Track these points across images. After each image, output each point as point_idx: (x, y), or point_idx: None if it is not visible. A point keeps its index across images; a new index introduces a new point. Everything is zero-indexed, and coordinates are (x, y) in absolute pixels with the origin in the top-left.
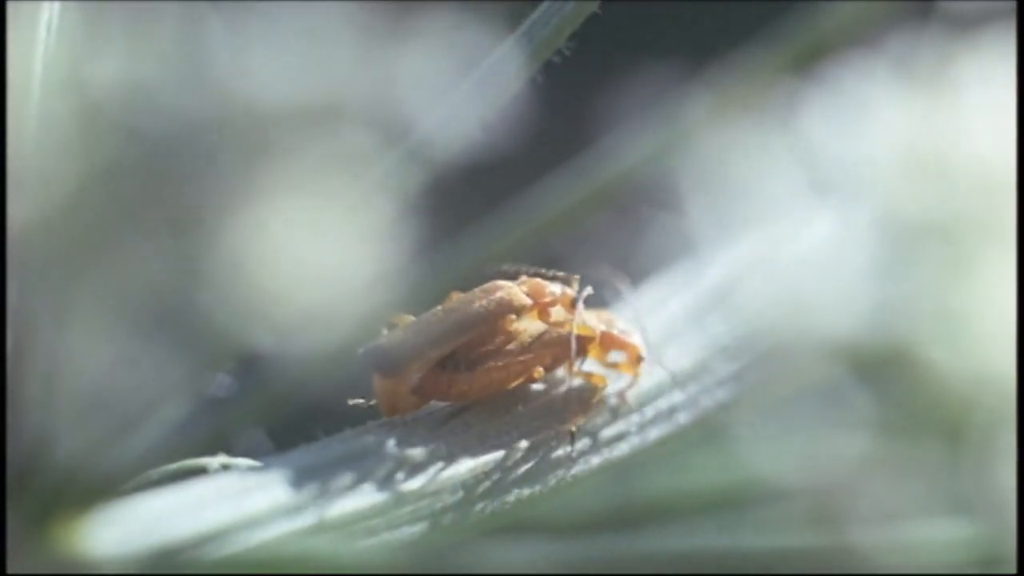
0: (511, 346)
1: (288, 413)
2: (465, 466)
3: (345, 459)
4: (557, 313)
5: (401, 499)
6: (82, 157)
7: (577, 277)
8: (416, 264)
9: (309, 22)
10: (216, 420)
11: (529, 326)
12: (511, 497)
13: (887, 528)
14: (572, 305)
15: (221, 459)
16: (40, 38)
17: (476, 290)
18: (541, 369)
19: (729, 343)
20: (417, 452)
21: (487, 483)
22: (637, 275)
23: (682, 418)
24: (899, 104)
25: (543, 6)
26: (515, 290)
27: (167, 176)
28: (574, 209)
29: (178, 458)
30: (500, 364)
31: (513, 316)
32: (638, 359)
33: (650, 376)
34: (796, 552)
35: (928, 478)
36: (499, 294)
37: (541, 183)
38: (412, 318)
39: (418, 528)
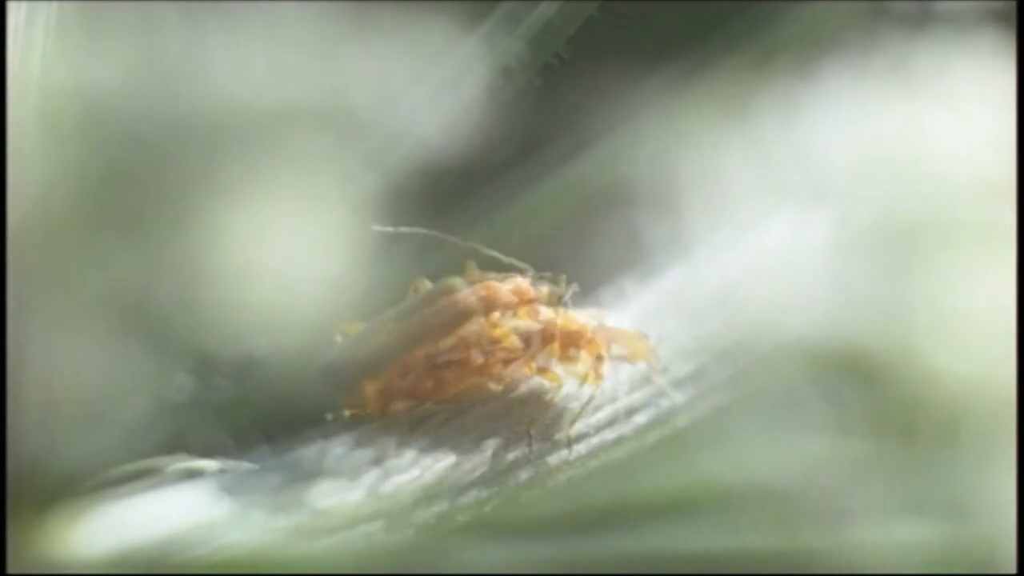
0: (471, 346)
1: (249, 414)
2: (432, 467)
3: (310, 460)
4: (519, 310)
5: (366, 500)
6: (46, 159)
7: (534, 274)
8: (377, 265)
9: (269, 23)
10: (178, 421)
11: (485, 326)
12: (476, 498)
13: (848, 528)
14: (531, 303)
15: (181, 459)
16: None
17: (431, 291)
18: (500, 367)
19: (688, 345)
20: (383, 453)
21: (454, 484)
22: (595, 276)
23: (640, 420)
24: (859, 105)
25: (504, 6)
26: (469, 295)
27: (128, 178)
28: (532, 211)
29: (138, 458)
30: (460, 363)
31: (467, 320)
32: (597, 356)
33: (609, 377)
34: (757, 553)
35: (888, 478)
36: (453, 298)
37: (501, 186)
38: (363, 326)
39: (380, 528)
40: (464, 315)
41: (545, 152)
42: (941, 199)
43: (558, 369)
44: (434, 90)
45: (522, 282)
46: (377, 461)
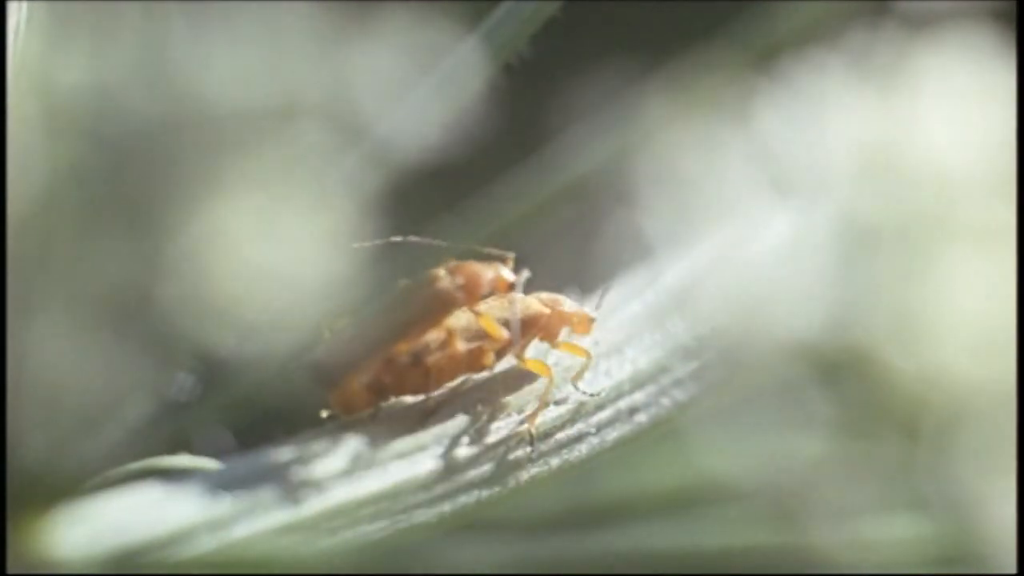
0: (456, 336)
1: (250, 413)
2: (425, 466)
3: (306, 459)
4: (498, 297)
5: (362, 499)
6: (46, 158)
7: (512, 256)
8: (375, 265)
9: (268, 22)
10: (178, 420)
11: (470, 316)
12: (472, 497)
13: (845, 526)
14: (510, 288)
15: (183, 459)
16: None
17: (413, 283)
18: (492, 356)
19: (688, 343)
20: (378, 452)
21: (447, 483)
22: (596, 275)
23: (641, 418)
24: (857, 103)
25: (504, 5)
26: (449, 284)
27: (128, 177)
28: (533, 210)
29: (140, 458)
30: (447, 354)
31: (450, 308)
32: (588, 323)
33: (609, 376)
34: (755, 551)
35: (886, 476)
36: (433, 289)
37: (500, 184)
38: (350, 322)
39: (380, 528)
40: (447, 303)
41: (545, 151)
42: (941, 198)
43: (548, 357)
44: (434, 89)
45: (501, 269)
46: (375, 459)
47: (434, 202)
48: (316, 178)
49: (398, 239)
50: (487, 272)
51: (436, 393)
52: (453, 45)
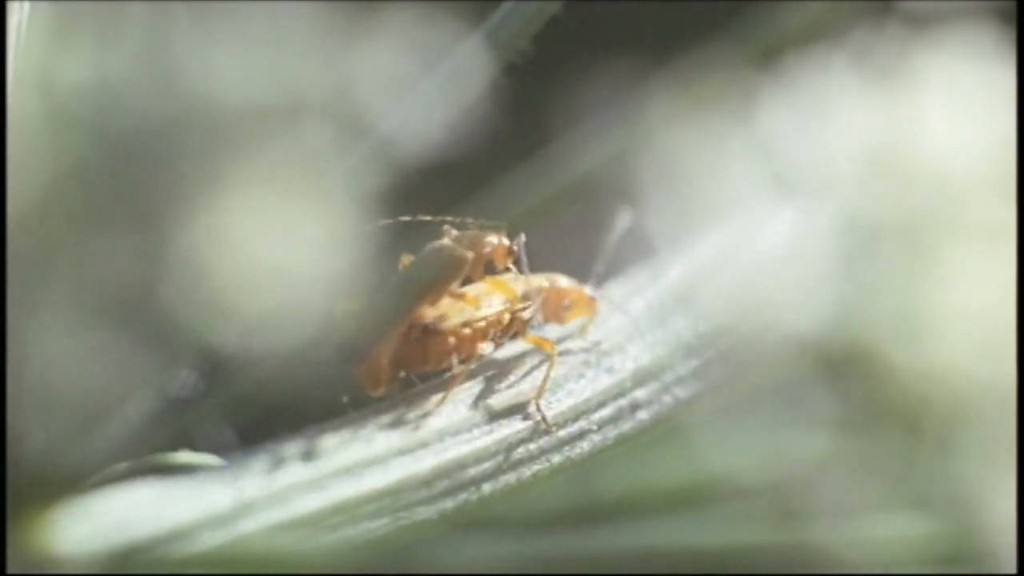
0: (470, 302)
1: (252, 410)
2: (428, 462)
3: (308, 456)
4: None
5: (364, 496)
6: (49, 155)
7: (504, 225)
8: (377, 261)
9: (272, 20)
10: (180, 417)
11: (481, 284)
12: (473, 494)
13: (848, 524)
14: (509, 254)
15: (184, 456)
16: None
17: (420, 254)
18: (506, 320)
19: (691, 341)
20: (379, 449)
21: (449, 480)
22: (600, 273)
23: (643, 415)
24: (860, 101)
25: (507, 4)
26: (455, 247)
27: (131, 174)
28: (536, 208)
29: (141, 455)
30: (463, 322)
31: (460, 268)
32: (590, 302)
33: (611, 373)
34: (757, 549)
35: (888, 474)
36: (441, 254)
37: (504, 182)
38: (361, 300)
39: (381, 525)
40: (456, 267)
41: (548, 149)
42: (943, 196)
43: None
44: (438, 87)
45: (495, 237)
46: (379, 456)
47: (437, 200)
48: (319, 176)
49: (405, 218)
50: (490, 235)
51: (458, 358)
52: (456, 43)
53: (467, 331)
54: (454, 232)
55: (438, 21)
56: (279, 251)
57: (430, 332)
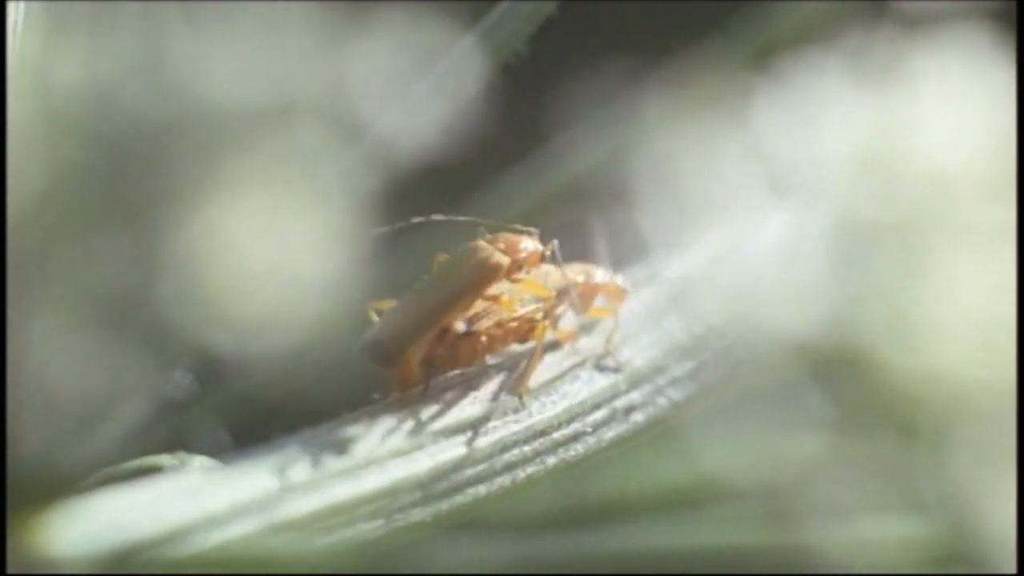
0: (503, 304)
1: (247, 412)
2: (423, 464)
3: (303, 458)
4: (536, 268)
5: (360, 498)
6: (44, 157)
7: (537, 231)
8: (375, 263)
9: (266, 20)
10: (176, 418)
11: (512, 285)
12: (468, 496)
13: (842, 526)
14: (542, 259)
15: (180, 457)
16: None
17: (455, 256)
18: (544, 321)
19: (685, 342)
20: (376, 450)
21: (445, 482)
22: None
23: (638, 417)
24: (855, 102)
25: (502, 5)
26: (493, 251)
27: (126, 176)
28: (531, 208)
29: (137, 456)
30: (496, 323)
31: (497, 274)
32: (621, 293)
33: (605, 375)
34: (752, 550)
35: (883, 476)
36: (478, 258)
37: (499, 183)
38: (393, 303)
39: (377, 527)
40: (493, 270)
41: (544, 150)
42: (940, 198)
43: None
44: (433, 88)
45: (530, 241)
46: (375, 458)
47: (432, 201)
48: (314, 177)
49: (420, 220)
50: (525, 240)
51: (487, 356)
52: (451, 44)
53: (499, 331)
54: (485, 235)
55: (432, 22)
56: (273, 252)
57: (462, 334)
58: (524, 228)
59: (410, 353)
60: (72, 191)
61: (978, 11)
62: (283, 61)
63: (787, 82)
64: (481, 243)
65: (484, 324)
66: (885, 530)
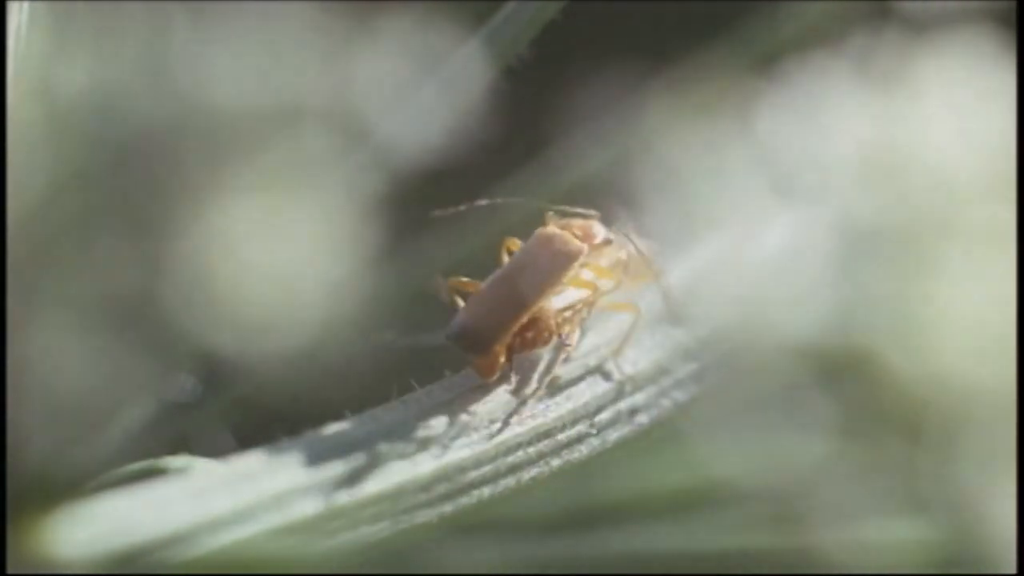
0: (574, 287)
1: (251, 414)
2: (427, 466)
3: (307, 460)
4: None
5: (364, 500)
6: (48, 160)
7: (598, 214)
8: (379, 266)
9: (271, 25)
10: (179, 421)
11: (595, 268)
12: (472, 498)
13: (847, 528)
14: (608, 244)
15: (184, 459)
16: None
17: (532, 242)
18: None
19: (689, 344)
20: (380, 452)
21: (449, 483)
22: None
23: (642, 419)
24: (859, 105)
25: (507, 7)
26: (570, 238)
27: (130, 179)
28: (535, 212)
29: (141, 459)
30: (569, 306)
31: (577, 259)
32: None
33: (609, 377)
34: (756, 553)
35: (887, 478)
36: (558, 245)
37: (503, 187)
38: (471, 282)
39: (381, 529)
40: (575, 255)
41: (547, 153)
42: (944, 201)
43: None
44: (437, 92)
45: (600, 227)
46: (379, 460)
47: (436, 204)
48: (318, 180)
49: (492, 200)
50: (595, 225)
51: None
52: (455, 48)
53: (568, 313)
54: (552, 220)
55: (436, 26)
56: (278, 256)
57: (540, 319)
58: (587, 212)
59: (498, 342)
60: (76, 194)
61: (981, 15)
62: (287, 65)
63: (791, 85)
64: (557, 230)
65: (560, 309)
66: (890, 533)
